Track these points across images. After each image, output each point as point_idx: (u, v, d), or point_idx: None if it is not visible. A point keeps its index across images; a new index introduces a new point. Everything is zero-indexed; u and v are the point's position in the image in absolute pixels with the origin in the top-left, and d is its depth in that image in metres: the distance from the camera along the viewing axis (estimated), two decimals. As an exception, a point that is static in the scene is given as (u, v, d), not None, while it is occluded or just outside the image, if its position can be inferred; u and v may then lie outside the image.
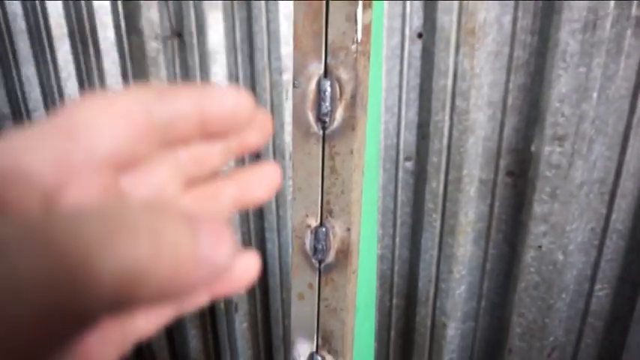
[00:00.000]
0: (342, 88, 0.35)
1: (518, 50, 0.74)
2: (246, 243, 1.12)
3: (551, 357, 0.87)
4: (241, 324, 1.21)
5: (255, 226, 1.09)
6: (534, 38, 0.72)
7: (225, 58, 0.95)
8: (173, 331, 1.40)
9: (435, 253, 0.89)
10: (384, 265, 0.98)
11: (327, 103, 0.35)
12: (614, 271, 0.79)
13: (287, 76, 0.89)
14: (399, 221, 0.93)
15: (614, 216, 0.76)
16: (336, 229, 0.37)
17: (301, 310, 0.41)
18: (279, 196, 1.00)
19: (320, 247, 0.38)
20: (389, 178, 0.90)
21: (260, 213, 1.07)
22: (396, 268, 0.97)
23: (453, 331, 0.94)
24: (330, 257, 0.38)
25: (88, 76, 1.15)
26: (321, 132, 0.36)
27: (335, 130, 0.35)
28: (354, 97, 0.34)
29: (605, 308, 0.82)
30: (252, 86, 0.95)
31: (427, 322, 0.96)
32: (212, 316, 1.29)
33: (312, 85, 0.35)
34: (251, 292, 1.17)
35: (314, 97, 0.36)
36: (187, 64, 1.00)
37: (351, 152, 0.35)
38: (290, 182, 0.98)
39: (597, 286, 0.81)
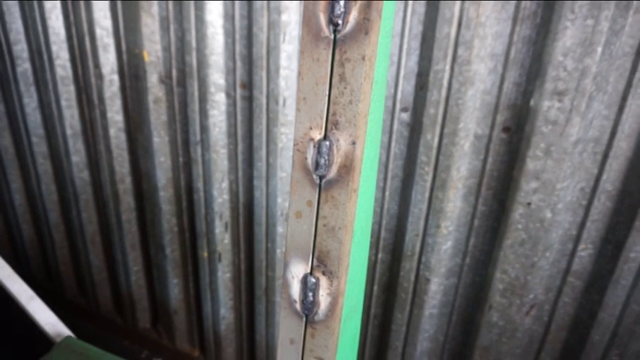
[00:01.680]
0: (357, -13, 0.33)
1: (526, 0, 0.72)
2: (233, 191, 1.11)
3: (529, 314, 0.89)
4: (224, 274, 1.21)
5: (244, 174, 1.07)
6: (544, -12, 0.70)
7: (221, -5, 0.91)
8: (154, 280, 1.39)
9: (424, 207, 0.89)
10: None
11: (342, 4, 0.33)
12: (599, 231, 0.81)
13: (286, 17, 0.86)
14: (390, 174, 0.92)
15: (604, 176, 0.77)
16: (341, 143, 0.36)
17: (298, 229, 0.40)
18: (270, 144, 0.98)
19: (322, 161, 0.37)
20: (384, 129, 0.88)
21: (249, 160, 1.05)
22: (384, 222, 0.97)
23: (436, 287, 0.95)
24: (332, 173, 0.37)
25: (74, 8, 1.10)
26: (332, 36, 0.34)
27: (347, 35, 0.34)
28: (370, -3, 0.32)
29: (587, 268, 0.84)
30: (249, 25, 0.91)
31: (411, 277, 0.97)
32: (194, 266, 1.29)
33: (326, -15, 0.33)
34: (235, 241, 1.17)
35: (327, -2, 0.33)
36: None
37: (363, 59, 0.34)
38: (282, 129, 0.96)
39: (581, 246, 0.82)
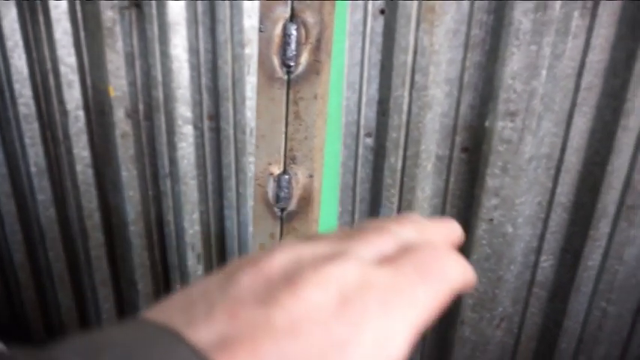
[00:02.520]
0: (307, 32, 0.35)
1: (475, 29, 0.77)
2: (205, 222, 1.11)
3: (500, 327, 0.92)
4: (199, 305, 1.19)
5: (215, 205, 1.08)
6: (490, 17, 0.75)
7: (185, 30, 0.93)
8: (127, 317, 1.36)
9: (392, 228, 0.92)
10: (343, 242, 0.99)
11: (293, 47, 0.35)
12: (558, 242, 0.84)
13: (249, 50, 0.89)
14: (358, 198, 0.94)
15: (558, 190, 0.81)
16: (299, 176, 0.38)
17: (263, 260, 0.41)
18: (239, 173, 0.99)
19: (282, 194, 0.38)
20: (349, 154, 0.91)
21: (219, 191, 1.05)
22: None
23: (409, 305, 0.97)
24: (293, 205, 0.39)
25: (37, 46, 1.10)
26: (285, 77, 0.36)
27: (300, 75, 0.36)
28: (319, 41, 0.35)
29: (549, 278, 0.87)
30: (214, 59, 0.94)
31: (384, 298, 0.99)
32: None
33: (278, 30, 0.36)
34: (209, 272, 1.16)
35: (279, 42, 0.36)
36: (146, 35, 0.97)
37: (315, 97, 0.36)
38: (250, 158, 0.97)
39: (542, 257, 0.86)
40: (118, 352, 0.14)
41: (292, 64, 0.35)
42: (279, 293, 0.16)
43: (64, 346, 0.14)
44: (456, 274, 0.20)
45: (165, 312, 0.16)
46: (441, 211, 0.89)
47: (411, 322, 0.17)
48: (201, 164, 1.04)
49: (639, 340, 0.87)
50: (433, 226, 0.24)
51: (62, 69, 1.07)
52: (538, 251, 0.86)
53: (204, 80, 0.96)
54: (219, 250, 1.12)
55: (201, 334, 0.15)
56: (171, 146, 1.02)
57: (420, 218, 0.24)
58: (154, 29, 0.94)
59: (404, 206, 0.89)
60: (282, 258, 0.18)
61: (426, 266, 0.19)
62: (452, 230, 0.25)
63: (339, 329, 0.16)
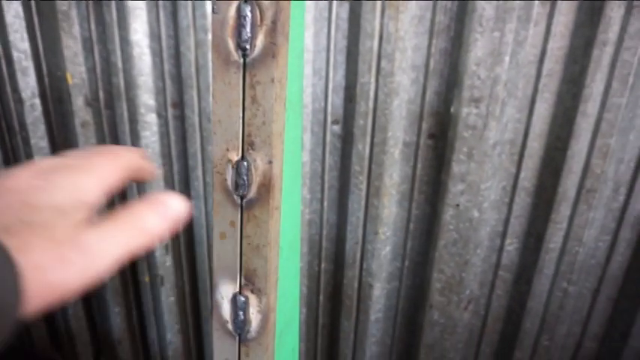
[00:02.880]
0: (262, 13, 0.34)
1: (440, 15, 0.77)
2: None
3: (467, 309, 0.94)
4: (168, 297, 1.17)
5: (181, 194, 1.05)
6: (454, 3, 0.75)
7: (146, 15, 0.90)
8: (93, 311, 1.33)
9: (361, 215, 0.92)
10: (312, 230, 0.99)
11: (248, 29, 0.34)
12: (522, 226, 0.87)
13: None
14: (326, 185, 0.94)
15: (522, 174, 0.82)
16: (258, 162, 0.37)
17: (223, 249, 0.40)
18: (206, 162, 0.97)
19: (241, 181, 0.37)
20: (317, 141, 0.90)
21: (186, 180, 1.03)
22: (325, 232, 0.99)
23: (379, 291, 0.98)
24: (252, 192, 0.38)
25: (-13, 30, 1.04)
26: (241, 60, 0.35)
27: (255, 58, 0.35)
28: (274, 22, 0.34)
29: (514, 261, 0.89)
30: (176, 45, 0.91)
31: (354, 284, 0.99)
32: (136, 292, 1.24)
33: (232, 11, 0.34)
34: (177, 263, 1.14)
35: (234, 24, 0.34)
36: (104, 19, 0.93)
37: (272, 81, 0.35)
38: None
39: (507, 241, 0.88)
40: None
41: (248, 46, 0.34)
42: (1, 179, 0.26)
43: None
44: (127, 154, 0.31)
45: None
46: (408, 197, 0.90)
47: (95, 178, 0.27)
48: (166, 153, 1.02)
49: (599, 319, 0.90)
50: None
51: (15, 55, 1.02)
52: (503, 235, 0.88)
53: (166, 67, 0.93)
54: (188, 240, 1.11)
55: None
56: (135, 135, 0.99)
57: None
58: (113, 13, 0.91)
59: (372, 193, 0.89)
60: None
61: (101, 151, 0.31)
62: (134, 148, 0.34)
63: (41, 183, 0.26)
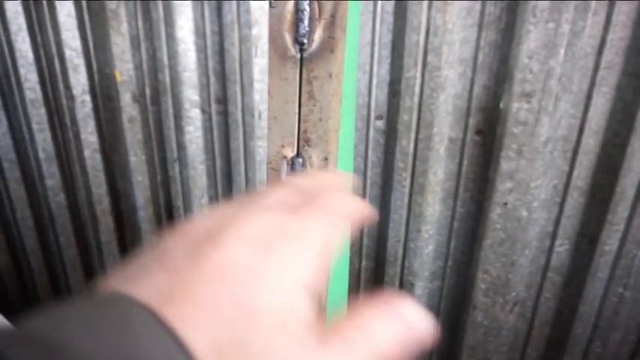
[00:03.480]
0: (320, 7, 0.33)
1: (490, 6, 0.74)
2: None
3: (513, 312, 0.91)
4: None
5: (224, 190, 1.07)
6: (506, -6, 0.72)
7: (191, 11, 0.91)
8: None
9: (404, 212, 0.90)
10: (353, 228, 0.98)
11: (306, 23, 0.33)
12: (574, 227, 0.83)
13: (256, 31, 0.86)
14: (369, 182, 0.93)
15: (575, 173, 0.79)
16: (313, 159, 0.36)
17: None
18: (248, 157, 0.98)
19: (296, 178, 0.37)
20: (360, 137, 0.89)
21: (228, 175, 1.04)
22: (366, 230, 0.98)
23: (421, 291, 0.96)
24: (307, 189, 0.37)
25: (41, 29, 1.08)
26: (298, 55, 0.34)
27: (313, 53, 0.34)
28: (333, 16, 0.33)
29: (565, 263, 0.85)
30: (220, 41, 0.92)
31: (395, 282, 0.98)
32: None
33: (290, 6, 0.34)
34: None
35: (291, 18, 0.34)
36: (151, 17, 0.95)
37: (330, 76, 0.34)
38: (259, 142, 0.96)
39: (558, 242, 0.84)
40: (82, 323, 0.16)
41: (305, 41, 0.34)
42: (204, 247, 0.18)
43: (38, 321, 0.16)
44: (351, 209, 0.23)
45: (114, 281, 0.18)
46: (454, 195, 0.87)
47: (320, 254, 0.20)
48: (209, 149, 1.03)
49: (655, 325, 0.85)
50: (322, 174, 0.29)
51: (67, 53, 1.06)
52: (553, 236, 0.84)
53: (211, 63, 0.94)
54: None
55: (143, 293, 0.17)
56: (179, 131, 1.01)
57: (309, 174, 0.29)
58: (159, 10, 0.92)
59: (415, 190, 0.87)
60: (202, 221, 0.21)
61: (327, 209, 0.22)
62: (338, 175, 0.29)
63: (262, 271, 0.18)
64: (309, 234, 0.20)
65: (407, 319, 0.20)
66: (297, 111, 0.36)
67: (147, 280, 0.17)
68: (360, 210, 0.24)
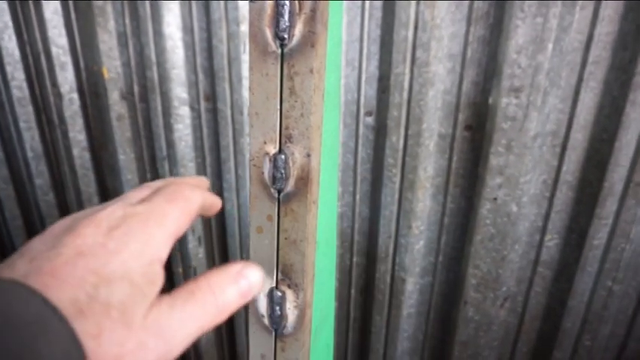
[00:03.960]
0: (301, 1, 0.33)
1: (478, 1, 0.74)
2: (204, 205, 1.09)
3: (503, 307, 0.91)
4: (200, 289, 1.19)
5: (214, 187, 1.06)
6: (494, -11, 0.72)
7: (178, 8, 0.90)
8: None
9: (394, 208, 0.90)
10: (344, 224, 0.98)
11: (286, 18, 0.33)
12: (563, 221, 0.83)
13: (244, 28, 0.86)
14: (359, 178, 0.92)
15: (564, 168, 0.79)
16: (296, 155, 0.36)
17: (260, 244, 0.40)
18: (238, 155, 0.97)
19: (279, 175, 0.37)
20: (349, 134, 0.89)
21: (218, 173, 1.04)
22: (356, 226, 0.98)
23: (412, 286, 0.96)
24: (290, 186, 0.37)
25: (27, 27, 1.07)
26: (279, 50, 0.34)
27: (294, 48, 0.34)
28: (313, 11, 0.33)
29: (554, 258, 0.86)
30: (208, 38, 0.91)
31: (387, 279, 0.98)
32: (170, 282, 1.26)
33: (270, 0, 0.33)
34: (210, 255, 1.15)
35: (272, 13, 0.33)
36: (138, 13, 0.94)
37: (311, 71, 0.34)
38: (248, 140, 0.95)
39: (547, 237, 0.85)
40: None
41: (286, 36, 0.33)
42: (63, 238, 0.23)
43: None
44: (197, 197, 0.28)
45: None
46: (443, 190, 0.87)
47: (166, 231, 0.25)
48: (199, 146, 1.02)
49: (644, 318, 0.86)
50: (181, 178, 0.32)
51: (54, 50, 1.04)
52: (543, 230, 0.84)
53: (199, 60, 0.94)
54: (220, 232, 1.11)
55: (14, 273, 0.21)
56: (168, 128, 1.00)
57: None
58: (146, 7, 0.91)
59: (406, 186, 0.87)
60: (62, 221, 0.25)
61: (170, 194, 0.27)
62: (198, 179, 0.33)
63: (111, 245, 0.23)
64: (153, 213, 0.25)
65: (247, 275, 0.27)
66: (278, 107, 0.35)
67: (17, 267, 0.21)
68: (205, 199, 0.29)
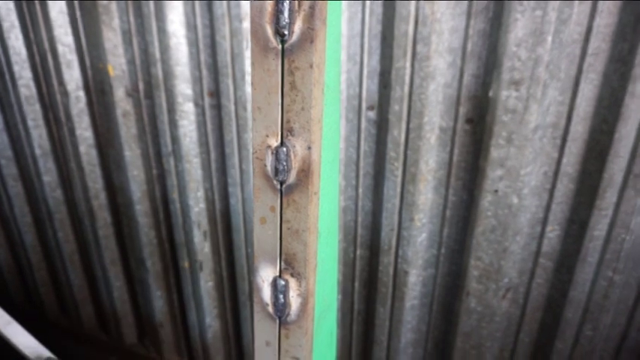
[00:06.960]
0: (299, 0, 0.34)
1: (478, -5, 0.74)
2: (209, 199, 1.11)
3: (505, 298, 0.92)
4: (206, 283, 1.21)
5: (219, 182, 1.08)
6: (493, -18, 0.73)
7: (182, 5, 0.91)
8: (137, 294, 1.38)
9: (396, 202, 0.91)
10: (347, 217, 0.99)
11: (286, 15, 0.34)
12: (564, 213, 0.84)
13: (247, 24, 0.87)
14: (361, 172, 0.94)
15: (564, 160, 0.80)
16: (297, 148, 0.37)
17: (263, 234, 0.41)
18: (242, 150, 0.98)
19: (281, 167, 0.38)
20: (352, 128, 0.90)
21: (223, 168, 1.05)
22: (360, 219, 0.99)
23: (415, 278, 0.97)
24: (292, 178, 0.38)
25: (34, 26, 1.08)
26: (280, 46, 0.35)
27: (294, 44, 0.35)
28: (312, 8, 0.34)
29: (555, 249, 0.87)
30: (212, 34, 0.92)
31: (390, 271, 0.99)
32: (176, 277, 1.28)
33: (270, -2, 0.34)
34: (215, 249, 1.17)
35: (272, 10, 0.35)
36: (142, 12, 0.95)
37: (311, 66, 0.35)
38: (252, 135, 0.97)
39: (548, 228, 0.85)
40: None
41: (286, 32, 0.34)
42: None
43: None
44: None
45: None
46: (445, 183, 0.88)
47: None
48: (203, 142, 1.04)
49: (645, 308, 0.87)
50: None
51: (60, 49, 1.06)
52: (544, 222, 0.85)
53: (203, 56, 0.95)
54: (225, 227, 1.13)
55: None
56: (173, 124, 1.02)
57: None
58: (150, 5, 0.93)
59: (408, 179, 0.88)
60: None
61: None
62: None
63: None
64: None
65: None
66: (279, 101, 0.36)
67: None
68: None
